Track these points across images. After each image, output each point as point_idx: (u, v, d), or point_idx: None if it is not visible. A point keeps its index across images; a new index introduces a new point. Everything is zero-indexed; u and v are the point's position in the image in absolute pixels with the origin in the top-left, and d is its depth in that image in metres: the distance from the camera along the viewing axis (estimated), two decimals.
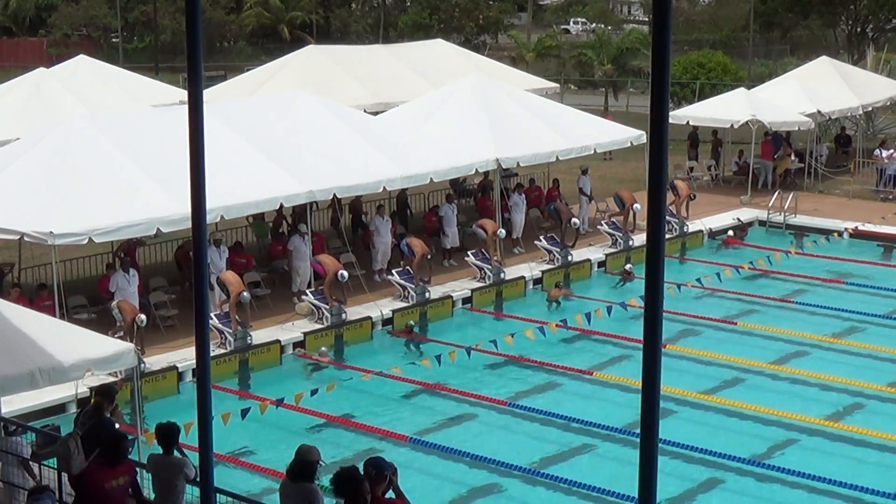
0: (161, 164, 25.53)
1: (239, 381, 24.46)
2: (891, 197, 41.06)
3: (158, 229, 24.97)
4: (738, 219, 37.49)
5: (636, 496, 9.59)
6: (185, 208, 11.59)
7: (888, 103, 49.58)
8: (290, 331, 26.18)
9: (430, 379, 23.45)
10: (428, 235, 33.21)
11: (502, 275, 30.42)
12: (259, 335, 25.56)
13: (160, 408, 20.96)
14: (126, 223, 24.24)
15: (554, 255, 32.10)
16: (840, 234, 34.47)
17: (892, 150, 42.15)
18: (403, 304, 28.18)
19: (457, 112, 33.77)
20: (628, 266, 32.07)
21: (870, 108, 48.39)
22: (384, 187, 29.71)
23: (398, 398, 23.09)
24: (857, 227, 34.14)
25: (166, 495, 13.89)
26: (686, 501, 18.77)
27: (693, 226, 36.24)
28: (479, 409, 22.83)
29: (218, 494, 13.26)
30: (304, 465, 12.23)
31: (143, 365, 22.69)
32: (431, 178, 30.69)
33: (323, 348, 25.55)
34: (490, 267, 30.17)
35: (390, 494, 11.83)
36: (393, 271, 29.06)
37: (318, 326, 26.42)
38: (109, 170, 25.55)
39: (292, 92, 32.81)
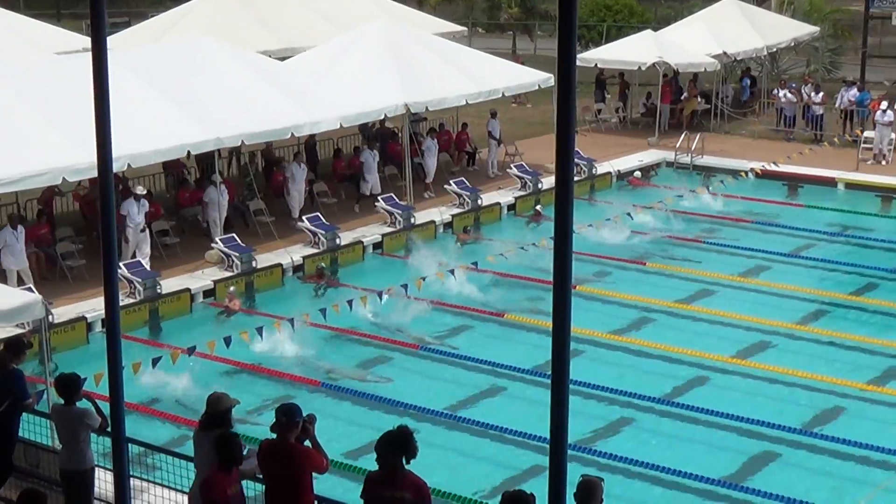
0: (65, 112, 25.10)
1: (149, 331, 24.29)
2: (792, 136, 41.57)
3: (64, 178, 24.66)
4: (644, 171, 37.76)
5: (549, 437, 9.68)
6: (91, 157, 11.44)
7: (792, 44, 50.05)
8: (200, 279, 26.02)
9: (342, 324, 23.43)
10: (338, 181, 33.15)
11: (413, 219, 30.44)
12: (169, 284, 25.38)
13: (70, 359, 20.75)
14: (30, 173, 23.86)
15: (464, 199, 32.16)
16: (746, 174, 34.85)
17: (786, 91, 42.58)
18: (314, 250, 28.10)
19: (364, 57, 33.59)
20: (538, 207, 32.23)
21: (774, 49, 48.83)
22: (292, 133, 29.53)
23: (311, 344, 23.05)
24: (763, 167, 34.52)
25: (71, 446, 13.81)
26: (598, 440, 18.96)
27: (601, 167, 36.45)
28: (393, 354, 22.89)
29: (130, 444, 13.21)
30: (216, 414, 12.19)
31: (51, 316, 22.48)
32: (340, 124, 30.54)
33: (231, 289, 25.42)
34: (401, 212, 30.17)
35: (307, 444, 11.83)
36: (304, 217, 28.96)
37: (228, 274, 26.28)
38: (11, 119, 25.09)
39: (198, 38, 32.43)
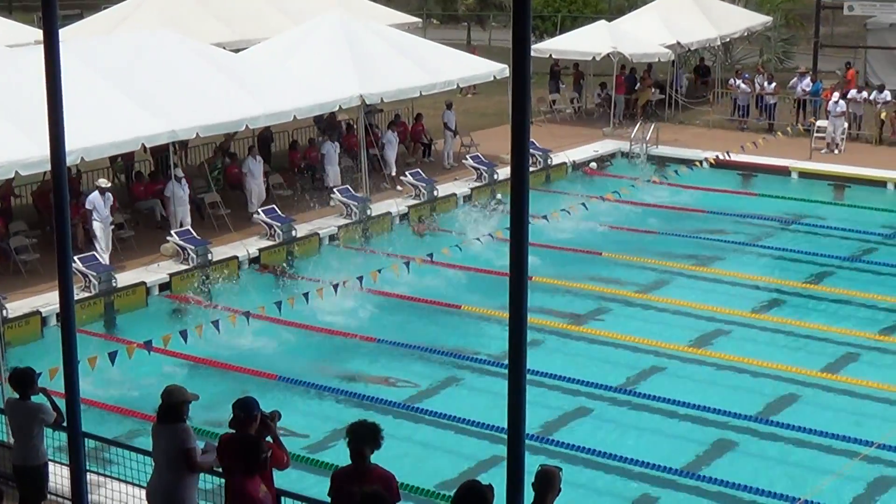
0: (18, 105, 24.91)
1: (105, 325, 24.16)
2: (746, 126, 41.79)
3: (17, 172, 24.49)
4: (599, 161, 37.88)
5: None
6: (45, 150, 11.36)
7: (745, 34, 50.30)
8: (155, 273, 25.89)
9: (298, 317, 23.36)
10: (294, 172, 33.09)
11: (369, 211, 30.41)
12: (124, 277, 25.26)
13: (25, 353, 20.64)
14: None
15: (420, 190, 32.16)
16: (701, 163, 34.99)
17: (740, 81, 42.80)
18: (270, 243, 28.03)
19: (319, 48, 33.49)
20: (499, 195, 32.26)
21: (727, 39, 49.04)
22: (247, 125, 29.44)
23: (267, 337, 22.99)
24: (717, 157, 34.67)
25: (24, 441, 13.70)
26: (557, 430, 19.01)
27: (556, 158, 36.52)
28: (350, 345, 22.85)
29: (86, 439, 13.14)
30: (171, 406, 12.13)
31: (4, 311, 22.35)
32: (295, 116, 30.46)
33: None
34: (357, 203, 30.14)
35: (269, 440, 11.79)
36: (259, 210, 28.88)
37: (184, 267, 26.18)
38: None
39: (151, 30, 32.24)
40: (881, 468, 18.11)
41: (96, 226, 26.00)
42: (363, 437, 10.83)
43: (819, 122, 38.90)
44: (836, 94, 38.88)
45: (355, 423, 11.01)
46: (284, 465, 11.78)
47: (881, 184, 34.66)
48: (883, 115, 39.68)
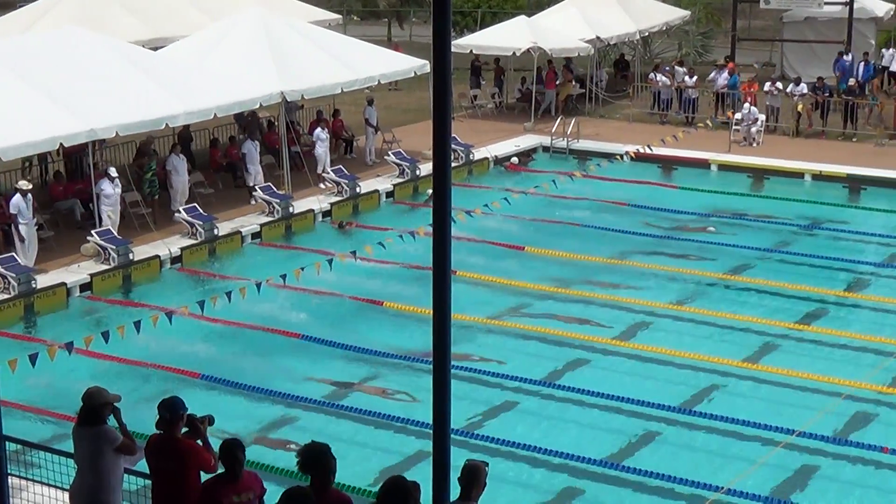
0: None
1: (25, 327, 23.88)
2: (667, 120, 42.11)
3: None
4: (522, 156, 38.02)
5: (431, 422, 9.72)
6: None
7: (664, 28, 50.68)
8: (76, 273, 25.64)
9: (221, 316, 23.21)
10: (214, 172, 32.91)
11: (291, 208, 30.31)
12: (44, 278, 24.98)
13: None
14: None
15: (342, 187, 32.10)
16: (622, 157, 35.20)
17: (660, 75, 43.12)
18: (192, 242, 27.85)
19: (239, 45, 33.28)
20: (430, 190, 32.20)
21: (646, 34, 49.39)
22: (167, 124, 29.21)
23: (190, 337, 22.84)
24: (637, 150, 34.89)
25: None
26: (482, 425, 19.05)
27: (478, 153, 36.60)
28: (273, 344, 22.76)
29: (7, 442, 12.99)
30: (92, 409, 12.01)
31: None
32: (215, 114, 30.27)
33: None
34: (279, 201, 30.03)
35: (199, 442, 11.72)
36: (181, 208, 28.68)
37: (105, 267, 25.94)
38: None
39: (68, 28, 31.86)
40: (802, 456, 18.34)
41: (23, 229, 25.63)
42: (310, 463, 10.51)
43: (737, 115, 39.30)
44: (748, 103, 39.31)
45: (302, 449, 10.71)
46: (211, 467, 11.71)
47: (799, 175, 35.06)
48: (799, 108, 40.14)
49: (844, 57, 42.55)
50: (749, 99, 39.70)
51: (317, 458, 10.42)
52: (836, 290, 25.85)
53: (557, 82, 43.86)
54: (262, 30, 33.73)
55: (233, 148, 33.37)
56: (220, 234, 28.44)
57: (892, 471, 17.92)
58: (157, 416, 11.55)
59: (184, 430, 11.66)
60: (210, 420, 11.87)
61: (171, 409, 11.53)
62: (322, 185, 32.57)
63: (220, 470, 11.18)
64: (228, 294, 22.88)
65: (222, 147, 34.08)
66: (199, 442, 11.68)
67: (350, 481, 16.76)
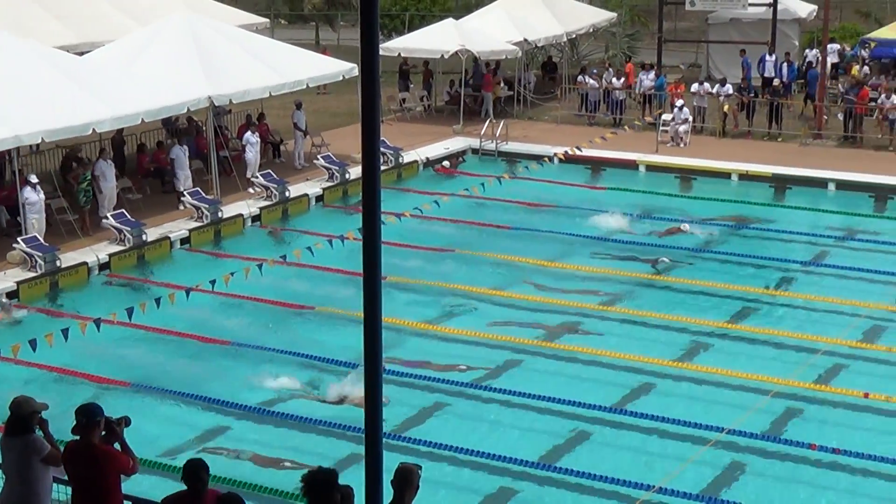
0: None
1: None
2: (595, 121, 42.35)
3: None
4: (452, 158, 38.07)
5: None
6: None
7: (591, 30, 50.95)
8: (2, 281, 25.36)
9: (150, 322, 23.03)
10: (142, 177, 32.68)
11: (220, 213, 30.16)
12: None
13: None
14: None
15: (271, 192, 31.99)
16: (550, 159, 35.32)
17: (588, 77, 43.36)
18: (120, 248, 27.63)
19: (166, 50, 33.04)
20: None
21: (574, 36, 49.63)
22: (94, 129, 28.93)
23: (118, 344, 22.66)
24: (566, 152, 35.04)
25: None
26: (414, 428, 19.04)
27: (408, 156, 36.61)
28: (203, 350, 22.63)
29: None
30: (19, 418, 11.88)
31: None
32: (143, 119, 30.05)
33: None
34: (208, 206, 29.88)
35: (117, 446, 11.63)
36: (108, 214, 28.44)
37: (31, 274, 25.67)
38: None
39: None
40: (732, 453, 18.49)
41: None
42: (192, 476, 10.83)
43: (664, 116, 39.60)
44: (680, 102, 39.59)
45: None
46: (130, 470, 11.63)
47: (726, 175, 35.38)
48: (726, 108, 40.54)
49: (768, 57, 42.95)
50: (679, 100, 39.96)
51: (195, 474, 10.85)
52: (764, 289, 26.10)
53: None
54: (189, 34, 33.52)
55: (161, 153, 33.14)
56: (149, 239, 28.24)
57: (820, 467, 18.12)
58: (74, 422, 11.44)
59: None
60: (126, 421, 11.74)
61: (87, 415, 11.42)
62: (251, 190, 32.45)
63: (183, 488, 11.10)
64: (157, 300, 22.72)
65: (150, 152, 33.82)
66: (117, 445, 11.58)
67: (282, 486, 16.75)
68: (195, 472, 10.84)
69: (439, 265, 27.58)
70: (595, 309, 24.75)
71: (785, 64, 42.52)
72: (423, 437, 18.55)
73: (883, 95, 38.83)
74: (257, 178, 32.41)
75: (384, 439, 9.19)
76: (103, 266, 26.91)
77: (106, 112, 28.63)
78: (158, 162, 32.94)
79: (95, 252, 27.13)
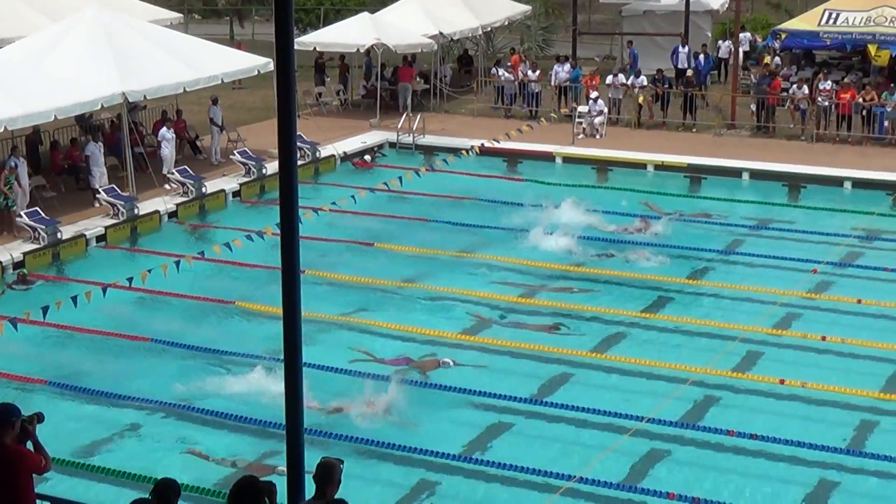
0: None
1: None
2: (511, 114, 42.49)
3: None
4: (370, 152, 38.05)
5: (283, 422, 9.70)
6: None
7: (506, 23, 51.10)
8: None
9: (66, 321, 22.79)
10: (56, 174, 32.33)
11: (136, 210, 29.92)
12: None
13: None
14: None
15: (188, 188, 31.79)
16: (468, 151, 35.37)
17: (502, 70, 43.47)
18: (35, 246, 27.33)
19: (78, 46, 32.62)
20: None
21: (489, 28, 49.75)
22: (6, 127, 28.55)
23: (34, 343, 22.42)
24: (483, 145, 35.12)
25: None
26: (337, 421, 19.00)
27: (325, 150, 36.52)
28: (121, 348, 22.45)
29: None
30: None
31: None
32: (56, 116, 29.73)
33: None
34: (124, 203, 29.63)
35: (29, 445, 11.49)
36: (21, 213, 28.11)
37: None
38: None
39: None
40: (651, 442, 18.67)
41: None
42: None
43: (580, 108, 39.82)
44: (594, 94, 39.82)
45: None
46: (42, 468, 11.50)
47: (642, 166, 35.65)
48: (640, 100, 40.83)
49: (681, 49, 43.32)
50: (594, 92, 40.17)
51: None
52: (680, 278, 26.31)
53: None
54: (101, 30, 33.14)
55: (75, 150, 32.78)
56: (64, 237, 27.95)
57: (738, 453, 18.36)
58: None
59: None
60: (39, 417, 11.58)
61: (0, 415, 11.27)
62: (167, 186, 32.22)
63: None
64: (74, 298, 22.50)
65: (63, 149, 33.46)
66: (29, 444, 11.44)
67: (203, 483, 16.68)
68: (162, 492, 10.55)
69: (358, 258, 27.56)
70: (513, 301, 24.82)
71: (702, 55, 42.87)
72: (344, 431, 18.54)
73: (794, 86, 39.31)
74: (173, 174, 32.20)
75: (305, 434, 9.19)
76: (18, 264, 26.57)
77: (17, 109, 28.28)
78: (72, 159, 32.59)
79: (9, 251, 26.82)
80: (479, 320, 23.87)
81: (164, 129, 33.77)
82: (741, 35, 44.19)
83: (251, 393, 20.18)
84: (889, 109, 37.42)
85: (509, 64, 44.73)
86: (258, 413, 19.07)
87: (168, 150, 33.33)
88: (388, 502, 17.04)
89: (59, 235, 27.82)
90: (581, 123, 39.25)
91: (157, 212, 30.52)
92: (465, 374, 21.04)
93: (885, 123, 37.62)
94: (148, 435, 19.11)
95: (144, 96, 32.74)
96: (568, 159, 36.79)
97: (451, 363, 21.53)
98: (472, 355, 22.14)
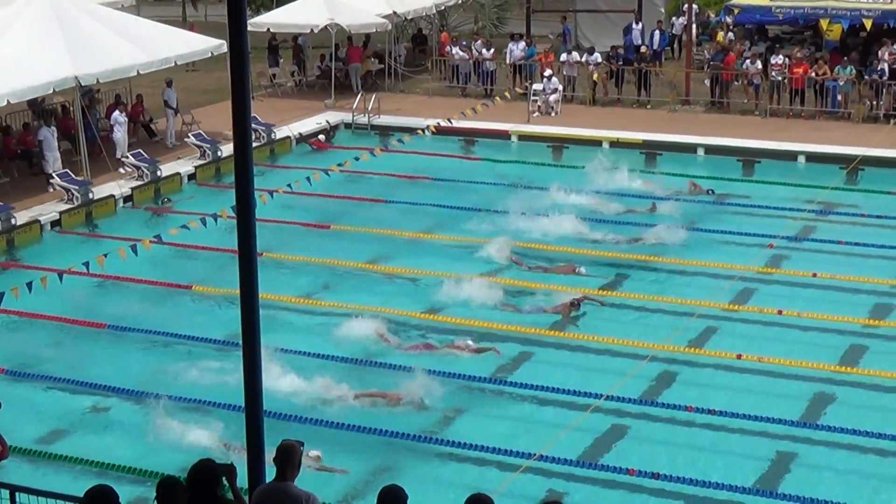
0: None
1: None
2: (466, 93, 42.46)
3: None
4: (327, 121, 37.98)
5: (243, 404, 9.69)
6: None
7: (459, 1, 51.03)
8: None
9: (23, 307, 22.64)
10: (9, 160, 32.09)
11: (91, 194, 29.74)
12: None
13: None
14: None
15: (143, 171, 31.62)
16: (423, 131, 35.33)
17: (456, 48, 43.41)
18: None
19: (29, 30, 32.30)
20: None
21: (443, 7, 49.65)
22: None
23: None
24: (438, 124, 35.09)
25: None
26: (297, 403, 18.96)
27: (280, 132, 36.40)
28: (80, 334, 22.33)
29: None
30: None
31: None
32: (8, 100, 29.49)
33: None
34: (78, 188, 29.44)
35: None
36: None
37: None
38: None
39: None
40: (610, 418, 18.76)
41: None
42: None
43: (535, 86, 39.84)
44: (548, 72, 39.83)
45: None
46: (1, 456, 11.46)
47: (597, 143, 35.69)
48: (595, 77, 40.90)
49: (635, 25, 43.38)
50: (549, 70, 40.19)
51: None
52: (637, 255, 26.36)
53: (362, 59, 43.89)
54: (52, 13, 32.83)
55: (27, 135, 32.55)
56: (18, 223, 27.75)
57: (697, 427, 18.48)
58: None
59: None
60: None
61: None
62: (122, 170, 32.03)
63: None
64: (29, 285, 22.33)
65: (16, 134, 33.22)
66: None
67: (162, 468, 16.60)
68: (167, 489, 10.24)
69: (315, 240, 27.49)
70: (472, 279, 24.74)
71: (657, 32, 42.95)
72: (303, 414, 18.53)
73: (748, 61, 39.46)
74: (128, 157, 32.02)
75: (265, 417, 9.15)
76: None
77: None
78: (25, 144, 32.36)
79: None
80: (437, 299, 23.83)
81: (117, 112, 33.57)
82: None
83: (208, 377, 20.11)
84: (841, 83, 37.64)
85: (439, 41, 44.83)
86: (216, 396, 19.00)
87: (120, 134, 33.13)
88: (346, 484, 17.01)
89: (13, 221, 27.62)
90: (536, 101, 39.28)
91: (112, 196, 30.34)
92: (421, 354, 21.03)
93: (838, 97, 37.84)
94: (108, 421, 19.03)
95: (98, 80, 32.53)
96: (524, 137, 36.82)
97: (471, 343, 21.46)
98: (429, 335, 22.10)
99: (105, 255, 23.85)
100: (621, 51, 41.99)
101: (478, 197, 30.50)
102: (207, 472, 9.54)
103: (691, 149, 34.86)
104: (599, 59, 41.08)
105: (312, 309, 23.56)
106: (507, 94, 38.90)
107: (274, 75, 43.83)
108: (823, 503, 16.01)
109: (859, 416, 18.66)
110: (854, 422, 18.30)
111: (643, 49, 41.86)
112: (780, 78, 38.34)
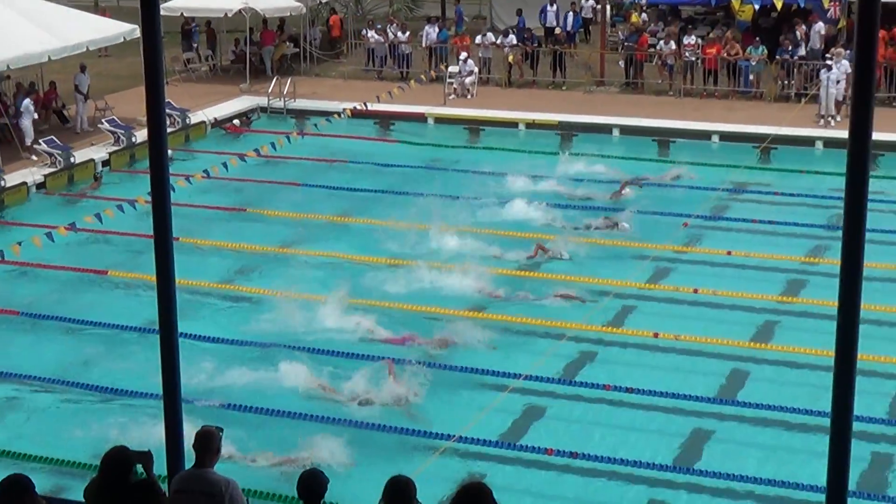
0: None
1: None
2: (382, 76, 42.42)
3: None
4: (248, 116, 37.79)
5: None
6: None
7: None
8: None
9: None
10: None
11: (3, 182, 29.38)
12: None
13: None
14: None
15: (56, 158, 31.28)
16: (340, 115, 35.26)
17: (372, 32, 43.32)
18: None
19: None
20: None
21: None
22: None
23: None
24: (354, 108, 35.03)
25: None
26: (216, 389, 18.89)
27: (195, 117, 36.14)
28: None
29: None
30: None
31: None
32: None
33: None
34: None
35: None
36: None
37: None
38: None
39: None
40: (530, 398, 18.88)
41: None
42: None
43: (451, 68, 39.87)
44: (463, 55, 39.87)
45: None
46: None
47: (513, 125, 35.83)
48: (510, 59, 41.02)
49: (549, 7, 43.54)
50: (464, 52, 40.23)
51: None
52: (553, 236, 26.40)
53: (276, 42, 43.70)
54: None
55: None
56: None
57: (615, 406, 18.66)
58: None
59: None
60: None
61: None
62: (34, 157, 31.67)
63: None
64: None
65: None
66: None
67: (76, 457, 16.51)
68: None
69: (231, 224, 27.38)
70: (389, 263, 24.72)
71: (571, 13, 43.12)
72: (224, 399, 18.47)
73: (661, 42, 39.76)
74: (39, 144, 31.65)
75: (183, 403, 9.13)
76: None
77: None
78: None
79: None
80: (355, 283, 23.75)
81: (27, 100, 33.19)
82: None
83: (127, 363, 19.99)
84: (753, 63, 38.05)
85: (329, 24, 44.83)
86: (133, 385, 18.88)
87: (28, 122, 32.76)
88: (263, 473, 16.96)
89: None
90: (452, 84, 39.32)
91: (24, 183, 29.99)
92: (342, 338, 20.99)
93: (751, 77, 38.26)
94: (22, 410, 18.85)
95: (8, 66, 32.12)
96: (440, 119, 36.85)
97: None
98: (348, 318, 21.97)
99: (19, 243, 23.59)
100: (536, 32, 42.13)
101: (394, 179, 30.50)
102: (118, 460, 9.47)
103: (607, 129, 35.11)
104: (515, 41, 41.18)
105: (229, 293, 23.44)
106: (422, 77, 38.95)
107: (188, 60, 43.50)
108: (738, 477, 16.26)
109: (772, 391, 18.94)
110: (768, 397, 18.57)
111: (557, 31, 42.01)
112: (693, 58, 38.70)
